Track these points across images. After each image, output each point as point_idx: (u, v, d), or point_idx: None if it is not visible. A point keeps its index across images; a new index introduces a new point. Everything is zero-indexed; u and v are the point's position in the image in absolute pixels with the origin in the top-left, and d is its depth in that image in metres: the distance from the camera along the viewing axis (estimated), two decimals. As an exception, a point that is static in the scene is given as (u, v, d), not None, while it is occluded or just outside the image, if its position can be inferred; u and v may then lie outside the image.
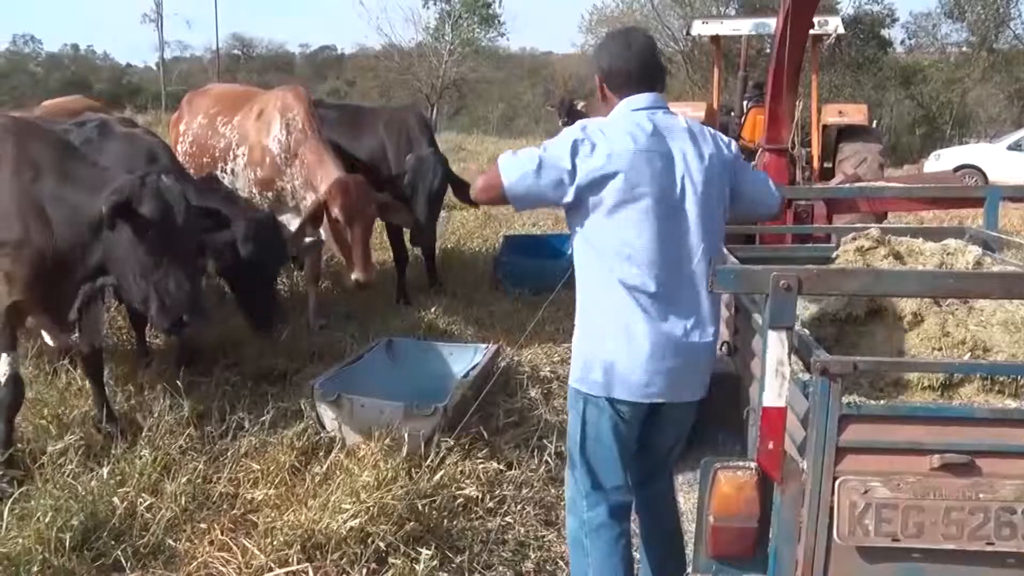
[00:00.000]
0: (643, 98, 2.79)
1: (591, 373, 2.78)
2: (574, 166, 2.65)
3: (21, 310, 4.17)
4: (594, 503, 2.88)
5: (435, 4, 34.55)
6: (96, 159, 4.49)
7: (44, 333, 4.57)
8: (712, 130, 2.89)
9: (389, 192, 6.68)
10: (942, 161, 19.85)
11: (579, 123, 2.78)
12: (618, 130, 2.70)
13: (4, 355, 4.12)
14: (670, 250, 2.68)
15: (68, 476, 3.91)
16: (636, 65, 2.81)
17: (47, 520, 3.45)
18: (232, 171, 6.60)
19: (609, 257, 2.69)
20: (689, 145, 2.74)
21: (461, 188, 7.01)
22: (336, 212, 5.70)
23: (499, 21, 35.17)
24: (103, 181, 3.99)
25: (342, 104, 8.54)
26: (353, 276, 5.78)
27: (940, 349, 3.08)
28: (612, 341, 2.72)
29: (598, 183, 2.65)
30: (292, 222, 6.13)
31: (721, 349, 3.43)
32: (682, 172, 2.71)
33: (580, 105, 10.98)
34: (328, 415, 4.50)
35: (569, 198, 2.68)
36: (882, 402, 2.40)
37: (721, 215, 2.82)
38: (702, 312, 2.75)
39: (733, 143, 2.91)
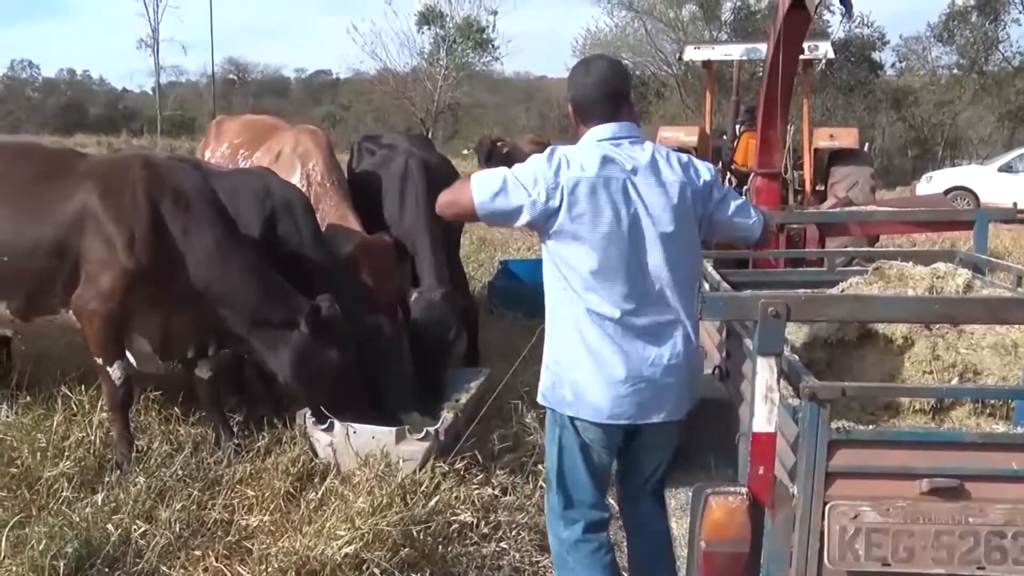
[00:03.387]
0: (607, 128, 2.83)
1: (560, 391, 2.83)
2: (535, 191, 2.71)
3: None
4: (570, 522, 2.95)
5: (429, 29, 34.81)
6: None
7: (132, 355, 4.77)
8: (687, 156, 2.94)
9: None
10: (934, 183, 19.97)
11: (548, 149, 2.83)
12: (578, 158, 2.75)
13: (118, 361, 4.54)
14: (633, 275, 2.73)
15: (62, 503, 3.91)
16: (596, 94, 2.85)
17: (41, 547, 3.43)
18: None
19: (574, 281, 2.75)
20: (648, 173, 2.77)
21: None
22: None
23: (493, 46, 35.42)
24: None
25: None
26: None
27: (930, 373, 3.10)
28: (580, 365, 2.77)
29: (556, 209, 2.70)
30: None
31: (713, 373, 3.46)
32: (637, 199, 2.74)
33: (502, 147, 10.21)
34: (321, 443, 4.50)
35: (525, 220, 2.74)
36: (871, 427, 2.42)
37: (690, 240, 2.84)
38: (673, 335, 2.78)
39: (710, 168, 2.95)
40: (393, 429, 4.36)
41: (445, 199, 2.93)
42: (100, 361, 4.53)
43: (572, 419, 2.83)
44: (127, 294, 4.41)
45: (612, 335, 2.73)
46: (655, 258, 2.75)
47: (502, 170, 2.79)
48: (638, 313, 2.73)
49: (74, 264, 4.46)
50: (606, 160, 2.74)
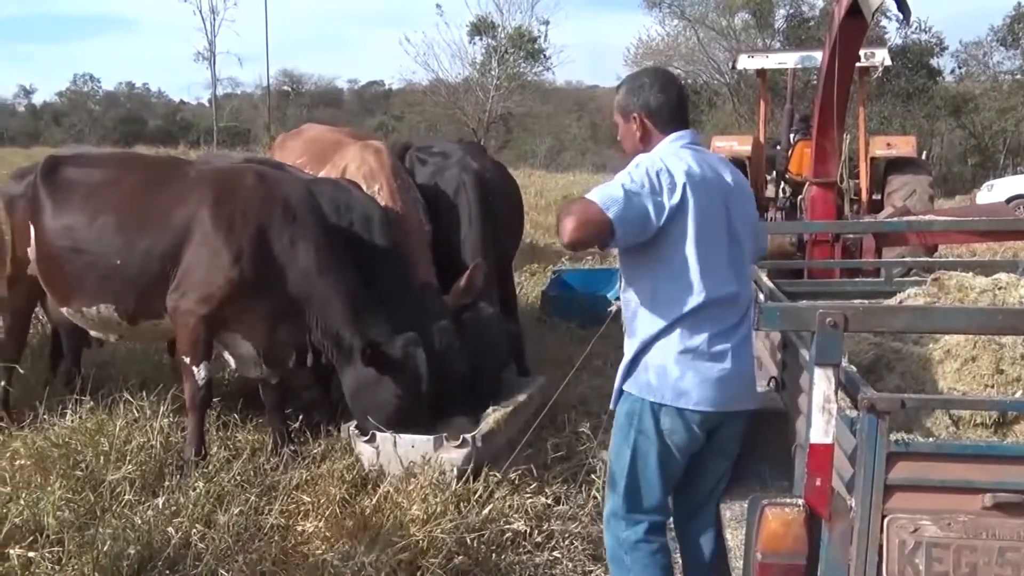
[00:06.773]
0: (686, 134, 2.98)
1: (654, 381, 2.87)
2: (659, 197, 2.75)
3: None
4: (632, 523, 2.98)
5: (481, 39, 34.95)
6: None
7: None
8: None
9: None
10: (995, 191, 19.46)
11: (642, 157, 2.88)
12: (677, 160, 2.86)
13: (204, 363, 4.70)
14: (715, 271, 2.84)
15: (125, 506, 4.00)
16: (677, 102, 3.00)
17: (105, 548, 3.52)
18: None
19: (667, 277, 2.83)
20: (728, 175, 2.98)
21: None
22: None
23: (545, 55, 35.41)
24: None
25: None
26: None
27: (992, 387, 3.04)
28: (671, 354, 2.84)
29: (675, 211, 2.76)
30: None
31: (768, 384, 3.43)
32: (724, 200, 2.90)
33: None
34: (365, 453, 4.55)
35: (654, 223, 2.74)
36: (931, 439, 2.38)
37: (751, 239, 3.02)
38: (740, 328, 2.91)
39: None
40: (431, 437, 4.41)
41: (572, 224, 2.67)
42: (187, 360, 4.67)
43: (656, 419, 2.87)
44: (226, 300, 4.57)
45: (700, 327, 2.83)
46: (735, 253, 2.91)
47: (615, 182, 2.77)
48: (719, 305, 2.84)
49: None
50: (700, 161, 2.89)
